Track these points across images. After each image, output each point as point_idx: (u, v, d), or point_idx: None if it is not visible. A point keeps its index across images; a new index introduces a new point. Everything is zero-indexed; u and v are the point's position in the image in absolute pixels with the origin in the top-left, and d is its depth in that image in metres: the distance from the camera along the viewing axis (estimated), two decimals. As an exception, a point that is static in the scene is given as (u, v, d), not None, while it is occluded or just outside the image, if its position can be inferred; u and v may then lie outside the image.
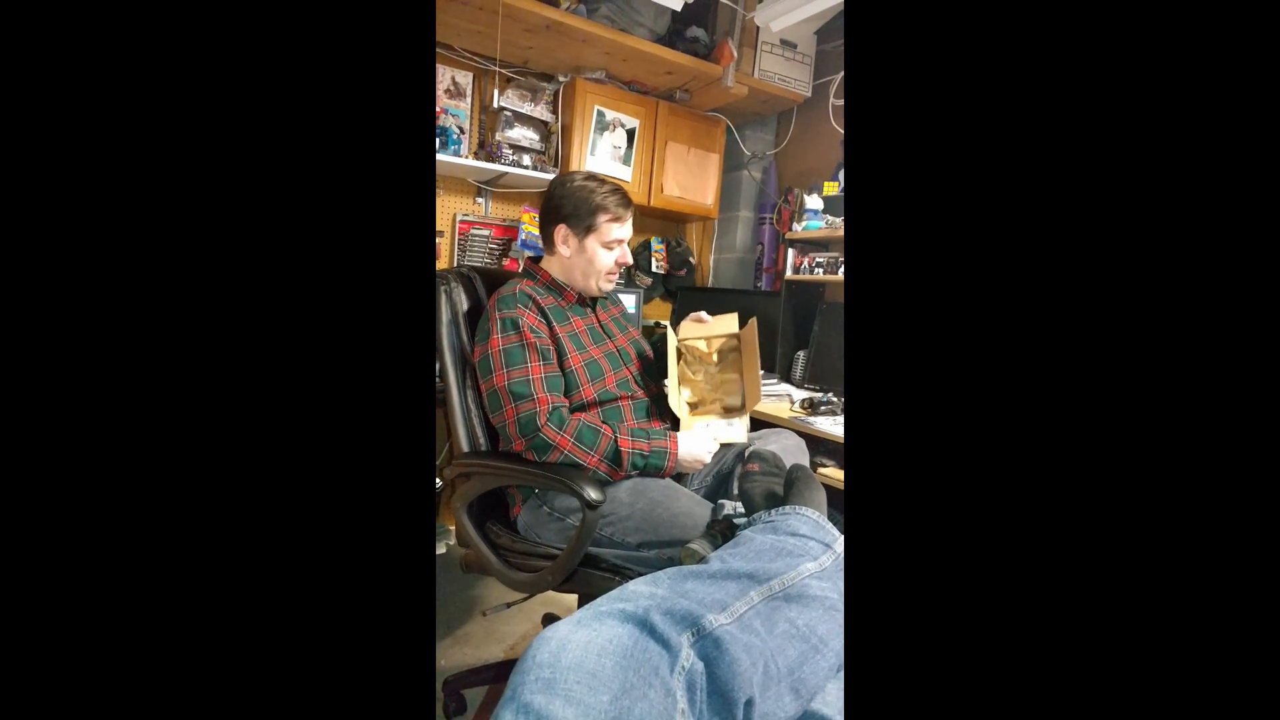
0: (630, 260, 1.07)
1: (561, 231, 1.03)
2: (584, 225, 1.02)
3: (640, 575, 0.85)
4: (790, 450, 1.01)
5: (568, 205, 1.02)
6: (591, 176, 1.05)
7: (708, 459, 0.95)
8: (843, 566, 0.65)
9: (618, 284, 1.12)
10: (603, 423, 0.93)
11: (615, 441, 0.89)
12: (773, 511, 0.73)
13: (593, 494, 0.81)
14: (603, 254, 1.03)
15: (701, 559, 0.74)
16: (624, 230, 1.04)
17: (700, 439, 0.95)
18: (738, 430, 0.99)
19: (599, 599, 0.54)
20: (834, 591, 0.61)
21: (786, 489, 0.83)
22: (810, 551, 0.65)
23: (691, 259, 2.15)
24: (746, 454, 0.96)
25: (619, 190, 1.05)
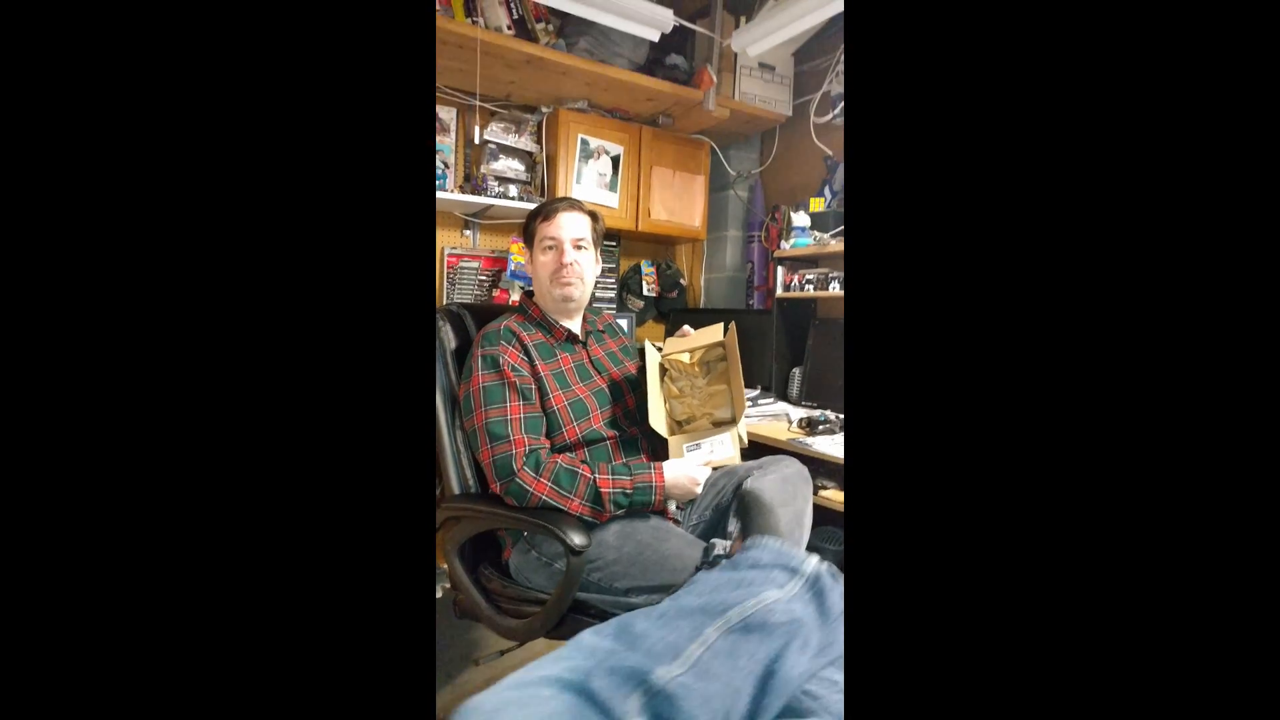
0: (570, 259, 1.01)
1: (527, 255, 1.07)
2: (531, 239, 1.05)
3: None
4: (791, 479, 0.97)
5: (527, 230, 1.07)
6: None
7: (697, 488, 0.90)
8: (817, 590, 0.60)
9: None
10: (584, 463, 0.90)
11: (595, 483, 0.86)
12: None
13: (577, 539, 0.78)
14: (540, 258, 1.03)
15: None
16: (553, 228, 1.01)
17: (687, 466, 0.91)
18: (727, 447, 0.93)
19: (540, 659, 0.48)
20: (804, 613, 0.55)
21: (743, 519, 0.80)
22: (774, 579, 0.59)
23: (682, 280, 2.15)
24: (740, 490, 0.92)
25: (558, 198, 1.07)
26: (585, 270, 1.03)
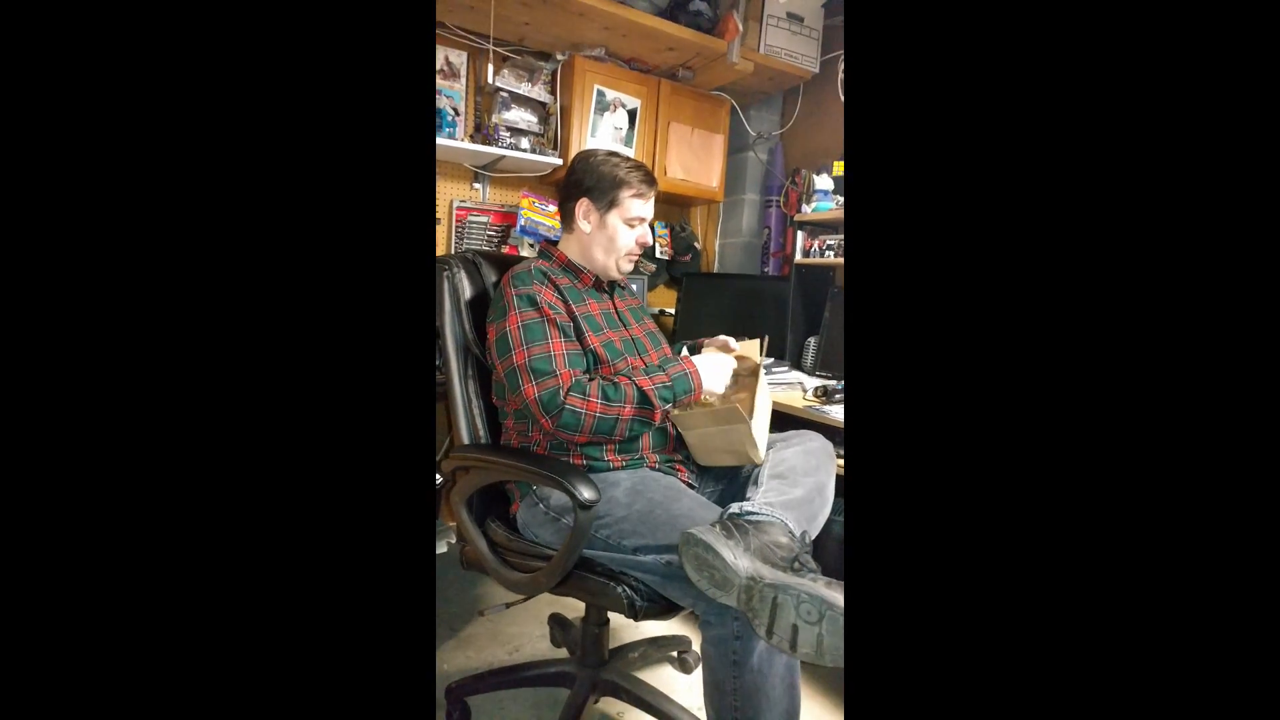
0: (650, 241, 1.03)
1: (583, 206, 0.99)
2: (607, 200, 0.98)
3: (637, 581, 0.82)
4: (814, 452, 0.94)
5: (590, 179, 0.98)
6: (615, 153, 1.01)
7: (728, 370, 0.95)
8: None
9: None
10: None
11: (637, 384, 0.86)
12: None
13: (586, 493, 0.75)
14: (624, 231, 0.99)
15: (708, 547, 0.68)
16: (646, 208, 1.00)
17: (711, 354, 0.95)
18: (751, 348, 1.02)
19: None
20: None
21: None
22: None
23: (696, 244, 2.09)
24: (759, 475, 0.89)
25: (643, 167, 1.01)
26: None
